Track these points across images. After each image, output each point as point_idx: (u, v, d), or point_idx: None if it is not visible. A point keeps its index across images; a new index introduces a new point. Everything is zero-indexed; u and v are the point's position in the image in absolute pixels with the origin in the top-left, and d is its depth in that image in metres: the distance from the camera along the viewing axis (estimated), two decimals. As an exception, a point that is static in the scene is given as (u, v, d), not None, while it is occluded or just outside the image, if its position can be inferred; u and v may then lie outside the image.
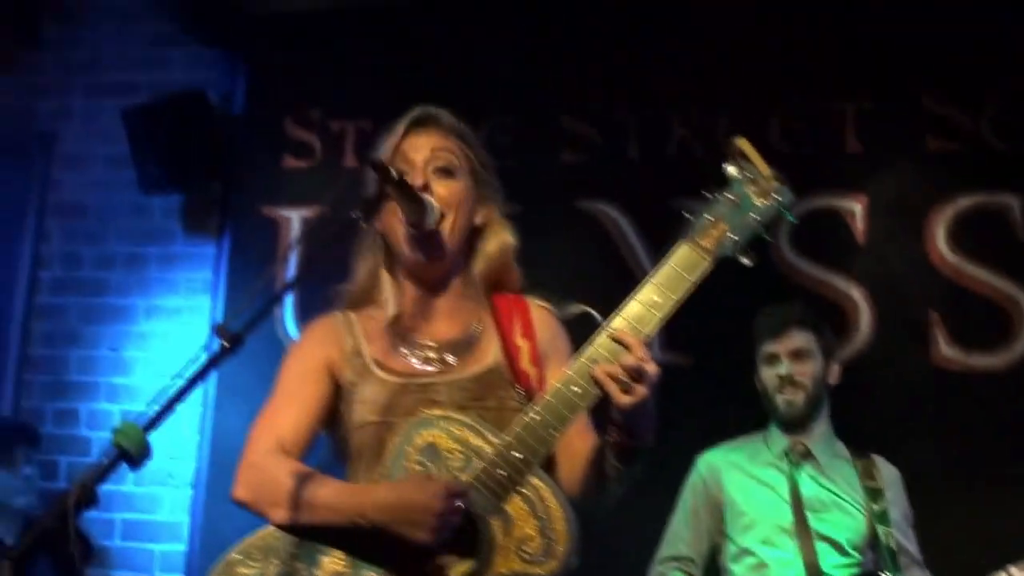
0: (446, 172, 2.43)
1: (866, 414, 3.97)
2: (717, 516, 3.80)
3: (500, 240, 2.51)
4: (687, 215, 2.26)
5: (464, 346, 2.43)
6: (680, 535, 3.84)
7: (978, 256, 4.43)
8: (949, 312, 4.41)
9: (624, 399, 2.10)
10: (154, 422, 1.79)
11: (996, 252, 4.44)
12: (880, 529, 3.66)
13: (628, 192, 4.78)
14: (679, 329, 4.48)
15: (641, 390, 2.10)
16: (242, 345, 1.89)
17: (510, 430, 2.16)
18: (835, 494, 3.73)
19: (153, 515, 5.01)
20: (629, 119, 4.88)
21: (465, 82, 4.75)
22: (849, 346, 4.41)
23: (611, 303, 2.44)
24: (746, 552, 3.69)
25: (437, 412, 2.25)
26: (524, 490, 2.15)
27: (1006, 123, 4.54)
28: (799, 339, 3.80)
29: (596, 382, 2.13)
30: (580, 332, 2.52)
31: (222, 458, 4.88)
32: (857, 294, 4.50)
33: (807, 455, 3.78)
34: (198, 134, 5.11)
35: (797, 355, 3.78)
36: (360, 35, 5.19)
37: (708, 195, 2.27)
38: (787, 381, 3.77)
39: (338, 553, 2.20)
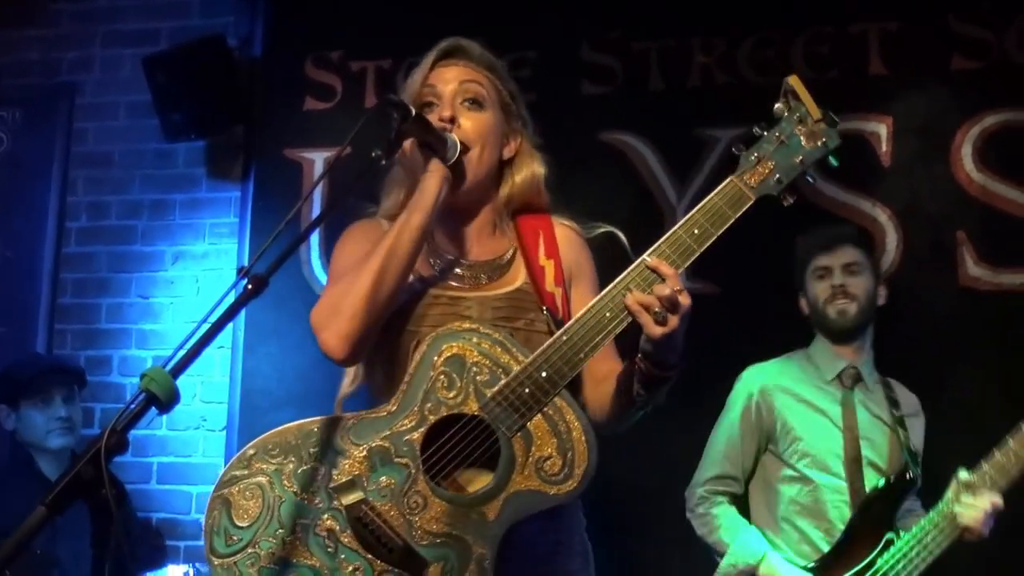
0: (475, 104, 2.45)
1: (895, 337, 3.95)
2: (765, 439, 3.80)
3: (529, 170, 2.53)
4: (735, 151, 2.26)
5: (495, 268, 2.46)
6: (725, 454, 3.83)
7: (1005, 174, 4.40)
8: (976, 231, 4.39)
9: (656, 329, 2.11)
10: (181, 366, 1.79)
11: (1023, 170, 4.39)
12: (900, 433, 3.70)
13: (651, 123, 4.75)
14: (705, 258, 4.52)
15: (674, 321, 2.12)
16: (267, 287, 1.90)
17: (540, 350, 2.17)
18: (879, 418, 3.76)
19: (188, 458, 5.07)
20: (650, 49, 4.83)
21: (483, 17, 4.71)
22: (876, 269, 4.36)
23: (637, 234, 2.45)
24: (800, 477, 3.71)
25: (467, 325, 2.26)
26: (548, 410, 2.16)
27: (1032, 40, 4.47)
28: (852, 254, 3.80)
29: (629, 310, 2.14)
30: (607, 254, 2.54)
31: (253, 400, 4.92)
32: (883, 216, 4.47)
33: (858, 379, 3.80)
34: (219, 80, 5.09)
35: (850, 268, 3.79)
36: (377, -27, 5.14)
37: (757, 131, 2.27)
38: (840, 291, 3.77)
39: (358, 456, 2.19)
